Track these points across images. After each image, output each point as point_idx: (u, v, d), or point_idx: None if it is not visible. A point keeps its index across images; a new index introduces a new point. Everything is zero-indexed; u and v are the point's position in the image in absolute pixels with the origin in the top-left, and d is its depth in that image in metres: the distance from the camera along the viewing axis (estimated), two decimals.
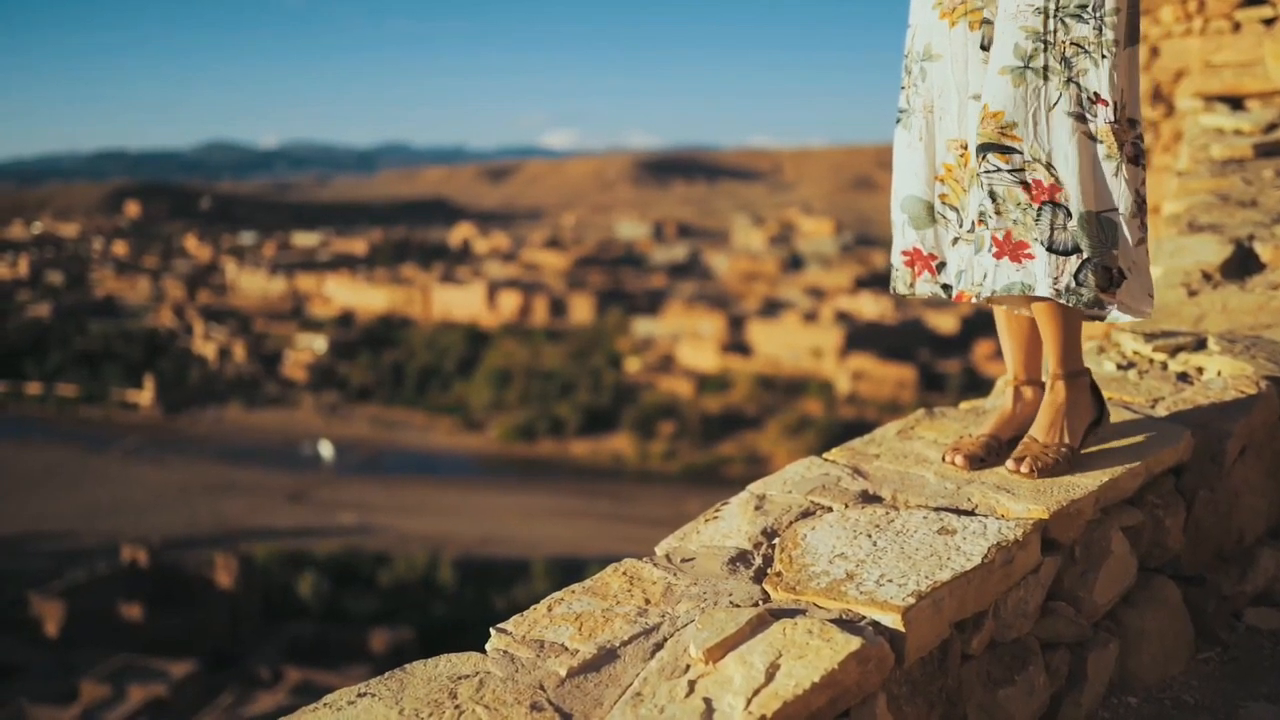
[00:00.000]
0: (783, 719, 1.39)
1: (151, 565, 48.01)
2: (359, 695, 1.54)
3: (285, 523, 60.32)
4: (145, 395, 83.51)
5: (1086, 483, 1.92)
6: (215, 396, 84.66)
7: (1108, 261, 1.93)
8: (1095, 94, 1.90)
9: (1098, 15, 1.89)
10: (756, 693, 1.42)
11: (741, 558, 1.77)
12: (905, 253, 2.13)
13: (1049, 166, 1.90)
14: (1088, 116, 1.90)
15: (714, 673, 1.48)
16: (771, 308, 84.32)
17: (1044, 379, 2.15)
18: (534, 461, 73.68)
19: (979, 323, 73.93)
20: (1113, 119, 1.90)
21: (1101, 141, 1.90)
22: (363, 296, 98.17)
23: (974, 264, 2.01)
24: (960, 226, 2.06)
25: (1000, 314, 2.21)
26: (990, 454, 2.05)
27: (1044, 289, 1.92)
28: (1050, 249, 1.91)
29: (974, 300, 2.04)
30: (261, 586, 48.20)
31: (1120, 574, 1.93)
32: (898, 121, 2.13)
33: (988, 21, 2.00)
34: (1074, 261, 1.91)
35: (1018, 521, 1.78)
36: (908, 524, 1.78)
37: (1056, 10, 1.90)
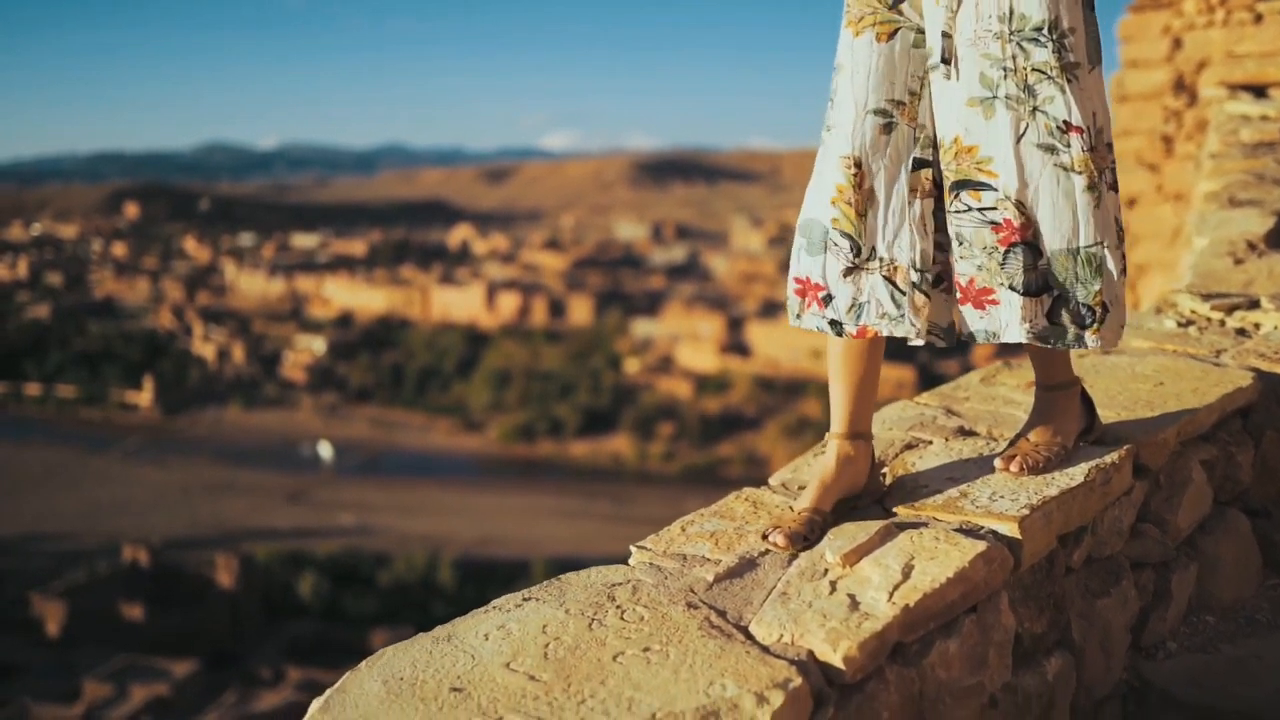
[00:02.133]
0: (922, 609, 1.54)
1: (152, 565, 48.06)
2: (524, 600, 1.68)
3: (285, 523, 60.36)
4: (145, 396, 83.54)
5: (1169, 416, 2.07)
6: (215, 397, 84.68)
7: (1086, 298, 1.82)
8: (1065, 122, 1.77)
9: (1054, 37, 1.76)
10: (896, 588, 1.57)
11: None
12: (797, 280, 1.93)
13: (1019, 204, 1.79)
14: (1059, 147, 1.77)
15: (852, 574, 1.63)
16: (770, 309, 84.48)
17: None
18: (533, 462, 73.76)
19: None
20: (1089, 146, 1.78)
21: (1080, 173, 1.78)
22: (362, 297, 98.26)
23: (883, 298, 1.86)
24: (856, 255, 1.86)
25: (834, 350, 1.97)
26: (814, 531, 1.79)
27: (1015, 334, 1.82)
28: (1024, 291, 1.80)
29: (882, 334, 1.88)
30: (262, 586, 48.25)
31: (1199, 502, 2.08)
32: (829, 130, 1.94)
33: (903, 39, 1.85)
34: (1046, 301, 1.82)
35: (1112, 448, 1.93)
36: None
37: (1012, 34, 1.78)
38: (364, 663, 1.55)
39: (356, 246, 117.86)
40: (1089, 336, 1.83)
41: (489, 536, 58.64)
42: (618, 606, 1.63)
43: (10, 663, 41.30)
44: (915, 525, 1.73)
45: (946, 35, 1.83)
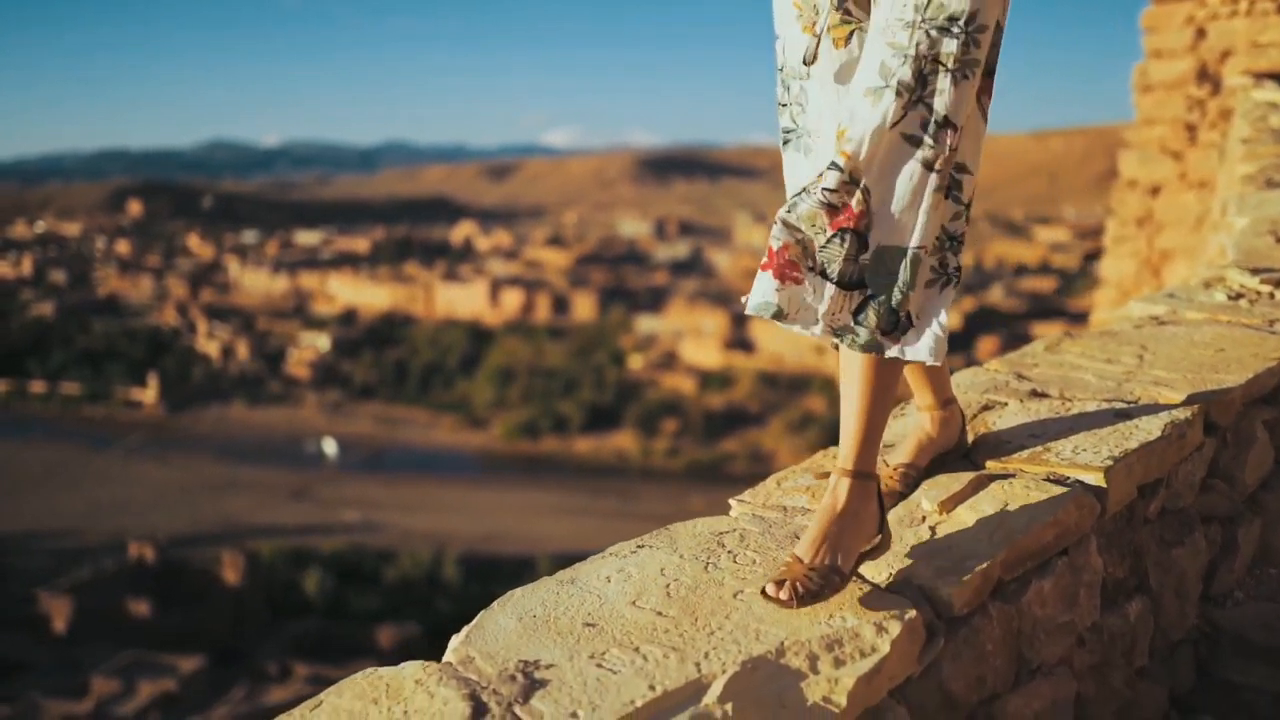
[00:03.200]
0: (1021, 549, 1.65)
1: (158, 562, 48.16)
2: (637, 547, 1.79)
3: (289, 520, 60.44)
4: (149, 393, 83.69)
5: (1233, 378, 2.18)
6: (218, 395, 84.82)
7: (896, 303, 1.68)
8: (945, 118, 1.66)
9: (967, 30, 1.66)
10: (994, 532, 1.67)
11: None
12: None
13: (865, 191, 1.66)
14: (926, 142, 1.66)
15: (950, 520, 1.74)
16: None
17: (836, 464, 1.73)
18: (537, 459, 73.85)
19: (981, 320, 74.15)
20: (953, 147, 1.68)
21: (938, 170, 1.67)
22: (365, 294, 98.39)
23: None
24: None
25: (842, 372, 1.81)
26: (909, 485, 1.84)
27: (817, 328, 1.68)
28: (839, 282, 1.67)
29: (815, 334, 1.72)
30: (266, 583, 48.35)
31: (1263, 459, 2.19)
32: (785, 143, 1.88)
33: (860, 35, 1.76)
34: (856, 297, 1.68)
35: (1184, 406, 2.04)
36: (1084, 410, 2.04)
37: (923, 21, 1.67)
38: (495, 603, 1.66)
39: (360, 243, 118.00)
40: (887, 344, 1.68)
41: (493, 533, 58.72)
42: (729, 551, 1.73)
43: (17, 659, 41.46)
44: (1003, 476, 1.84)
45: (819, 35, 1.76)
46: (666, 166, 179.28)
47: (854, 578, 1.63)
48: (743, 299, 1.71)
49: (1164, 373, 2.20)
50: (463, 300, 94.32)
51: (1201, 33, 5.79)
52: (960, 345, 76.44)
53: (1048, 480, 1.79)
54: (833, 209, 1.66)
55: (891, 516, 1.79)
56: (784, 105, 1.86)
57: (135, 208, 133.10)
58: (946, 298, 1.75)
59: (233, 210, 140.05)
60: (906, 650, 1.49)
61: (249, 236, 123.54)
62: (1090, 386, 2.18)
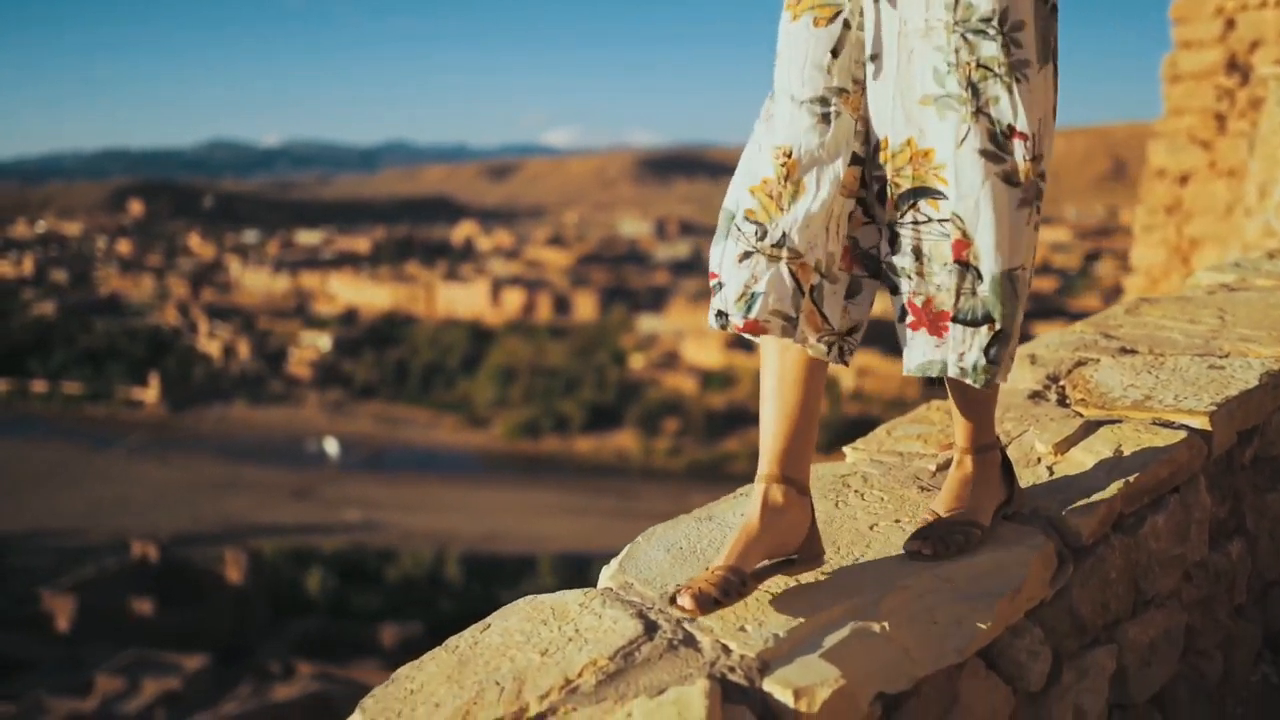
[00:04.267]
0: (1139, 485, 1.75)
1: (160, 561, 48.17)
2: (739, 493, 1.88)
3: (290, 519, 60.44)
4: (150, 393, 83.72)
5: None
6: (220, 394, 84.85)
7: (1011, 329, 1.63)
8: (1010, 126, 1.59)
9: (1003, 30, 1.58)
10: (1111, 469, 1.77)
11: (1037, 395, 2.14)
12: (711, 275, 1.76)
13: (955, 218, 1.59)
14: (1003, 155, 1.59)
15: (1065, 460, 1.84)
16: None
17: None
18: (538, 458, 73.87)
19: None
20: (1032, 155, 1.60)
21: (1018, 185, 1.60)
22: (366, 294, 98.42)
23: (784, 293, 1.65)
24: (760, 239, 1.66)
25: (766, 366, 1.76)
26: (729, 592, 1.53)
27: (951, 368, 1.63)
28: (956, 319, 1.61)
29: (772, 333, 1.67)
30: (269, 582, 48.38)
31: None
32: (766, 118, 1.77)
33: (846, 24, 1.66)
34: (985, 334, 1.61)
35: (1275, 358, 2.13)
36: (1178, 364, 2.14)
37: (957, 24, 1.58)
38: (640, 537, 1.75)
39: (360, 243, 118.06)
40: (1000, 372, 1.64)
41: (494, 532, 58.72)
42: (855, 491, 1.83)
43: (21, 658, 41.46)
44: (1110, 422, 1.94)
45: (877, 26, 1.65)
46: (667, 166, 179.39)
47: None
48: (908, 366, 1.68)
49: (1249, 330, 2.30)
50: (464, 300, 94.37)
51: (1231, 23, 5.89)
52: None
53: (1154, 424, 1.89)
54: (951, 240, 1.61)
55: (1008, 455, 1.88)
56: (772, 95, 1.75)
57: (136, 207, 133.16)
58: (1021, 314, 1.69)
59: (233, 210, 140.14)
60: (1041, 575, 1.59)
61: (250, 236, 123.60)
62: (1178, 344, 2.28)
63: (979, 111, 1.58)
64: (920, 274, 1.63)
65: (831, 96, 1.65)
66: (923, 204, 1.62)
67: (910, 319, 1.65)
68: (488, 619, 1.59)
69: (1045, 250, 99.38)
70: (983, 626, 1.48)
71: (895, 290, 1.68)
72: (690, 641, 1.44)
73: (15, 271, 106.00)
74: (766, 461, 1.69)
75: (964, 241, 1.59)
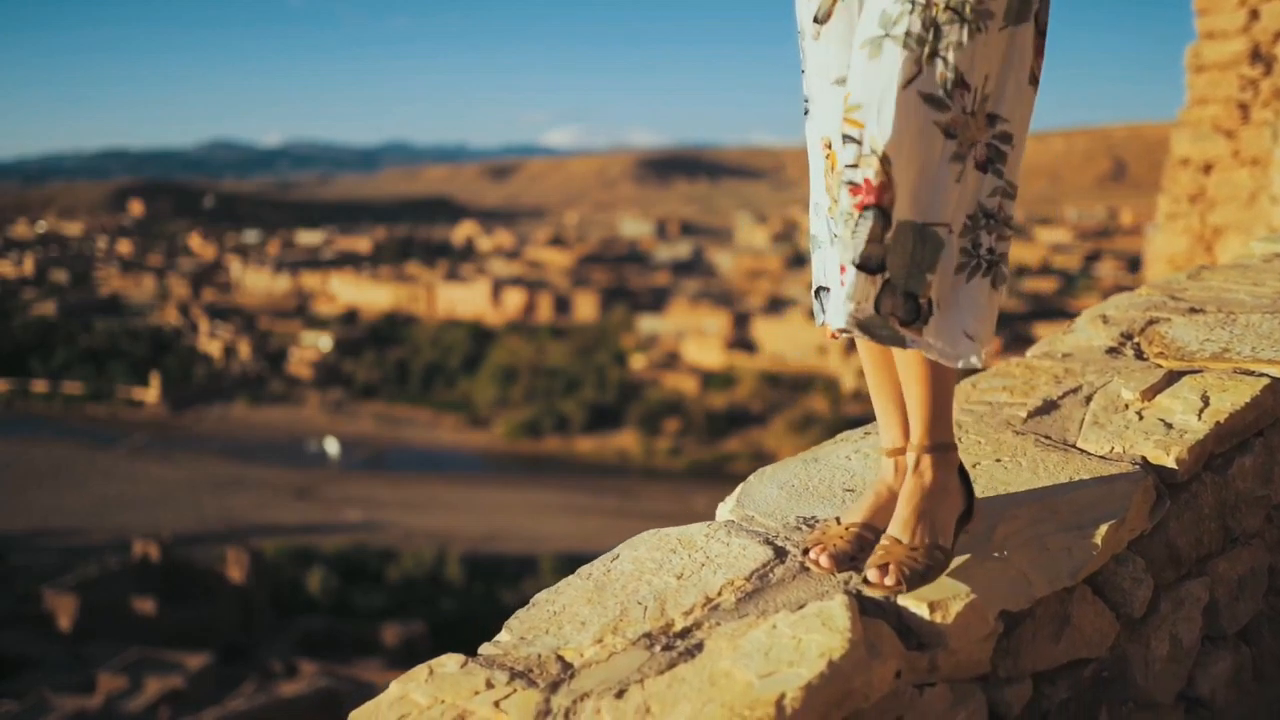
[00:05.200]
0: (1229, 427, 1.84)
1: (163, 560, 48.18)
2: (865, 434, 1.97)
3: (292, 519, 60.47)
4: (151, 393, 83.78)
5: None
6: (221, 394, 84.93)
7: (914, 288, 1.50)
8: (961, 75, 1.49)
9: None
10: (1201, 412, 1.86)
11: (1113, 351, 2.23)
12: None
13: (884, 160, 1.47)
14: (947, 102, 1.48)
15: (1153, 406, 1.93)
16: (776, 305, 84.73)
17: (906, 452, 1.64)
18: (539, 458, 73.95)
19: None
20: (969, 109, 1.50)
21: (955, 137, 1.50)
22: (367, 294, 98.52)
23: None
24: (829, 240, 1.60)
25: (867, 357, 1.73)
26: (863, 550, 1.57)
27: (839, 319, 1.51)
28: (861, 266, 1.49)
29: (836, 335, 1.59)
30: (271, 581, 48.39)
31: None
32: (806, 113, 1.71)
33: None
34: (879, 281, 1.49)
35: None
36: (1250, 320, 2.24)
37: None
38: (751, 476, 1.84)
39: (361, 243, 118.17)
40: (910, 337, 1.51)
41: (496, 532, 58.74)
42: (958, 439, 1.91)
43: (23, 656, 41.46)
44: (1191, 372, 2.03)
45: None
46: (667, 167, 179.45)
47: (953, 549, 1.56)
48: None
49: None
50: (464, 300, 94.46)
51: (1255, 14, 5.99)
52: None
53: (1236, 374, 1.98)
54: (854, 186, 1.49)
55: (1093, 406, 1.98)
56: (803, 72, 1.70)
57: (137, 207, 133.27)
58: (979, 290, 1.55)
59: (234, 210, 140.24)
60: (1142, 507, 1.67)
61: (250, 236, 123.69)
62: (1246, 304, 2.37)
63: (934, 55, 1.48)
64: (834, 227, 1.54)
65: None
66: (837, 151, 1.54)
67: (840, 274, 1.54)
68: (615, 550, 1.67)
69: (1045, 250, 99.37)
70: (1094, 553, 1.56)
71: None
72: None
73: (16, 271, 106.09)
74: (890, 436, 1.69)
75: (886, 185, 1.48)
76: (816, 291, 1.68)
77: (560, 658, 1.42)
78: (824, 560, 1.54)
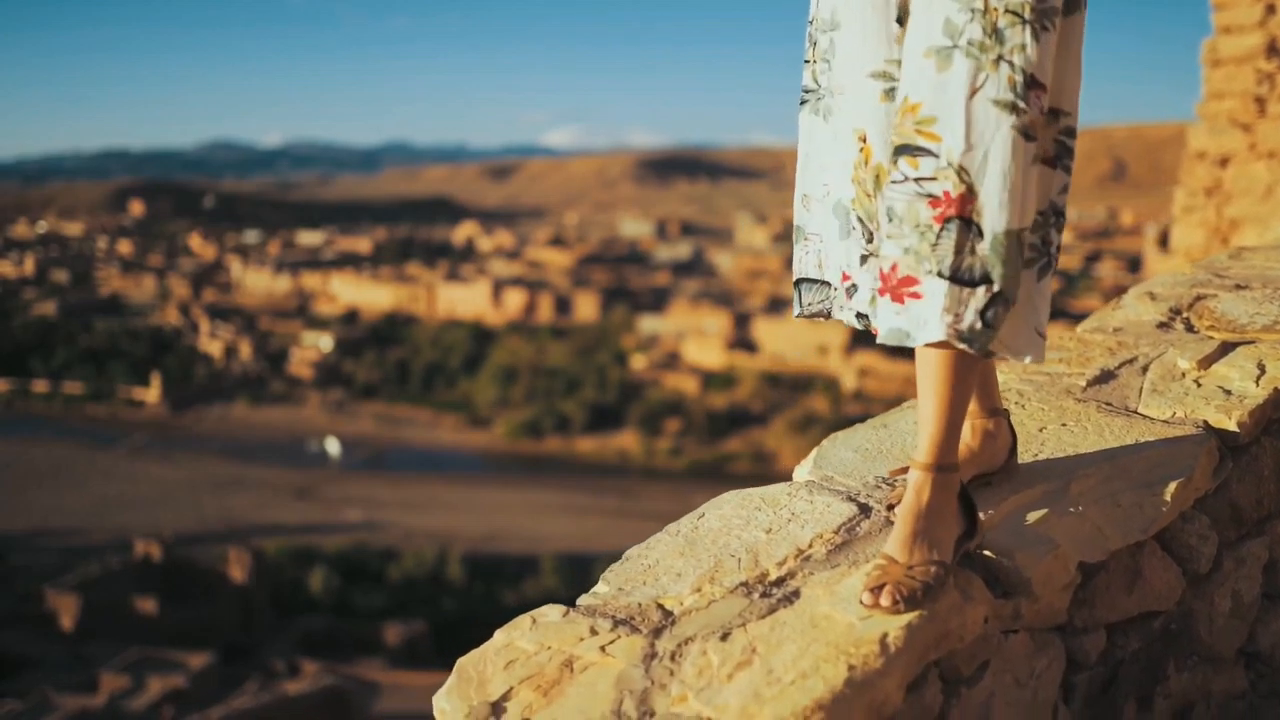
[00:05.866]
0: None
1: (164, 559, 48.20)
2: None
3: (293, 519, 60.49)
4: (151, 393, 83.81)
5: None
6: (221, 394, 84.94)
7: (1014, 294, 1.52)
8: (1032, 76, 1.49)
9: None
10: (1259, 379, 1.93)
11: (1164, 325, 2.31)
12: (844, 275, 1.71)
13: (961, 171, 1.48)
14: (1021, 106, 1.48)
15: (1209, 374, 2.00)
16: (776, 305, 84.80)
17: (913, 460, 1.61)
18: (540, 458, 73.97)
19: None
20: (1046, 109, 1.53)
21: (1035, 139, 1.51)
22: (368, 294, 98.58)
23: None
24: (869, 242, 1.65)
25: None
26: None
27: (935, 331, 1.49)
28: (953, 278, 1.48)
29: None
30: (272, 581, 48.42)
31: None
32: (803, 103, 1.74)
33: None
34: (981, 295, 1.49)
35: None
36: None
37: None
38: (825, 441, 1.91)
39: (361, 244, 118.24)
40: (978, 331, 1.50)
41: (496, 532, 58.75)
42: (1015, 403, 1.99)
43: (25, 655, 41.48)
44: (1245, 342, 2.10)
45: None
46: (667, 167, 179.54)
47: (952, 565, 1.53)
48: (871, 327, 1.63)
49: None
50: (465, 300, 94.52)
51: (1271, 8, 6.06)
52: None
53: None
54: (933, 199, 1.49)
55: (1150, 374, 2.05)
56: (808, 62, 1.72)
57: (137, 207, 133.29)
58: (1046, 288, 1.60)
59: (234, 210, 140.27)
60: (1206, 468, 1.75)
61: (251, 236, 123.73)
62: None
63: (1000, 59, 1.48)
64: (889, 236, 1.53)
65: (894, 70, 1.59)
66: (901, 162, 1.52)
67: (878, 285, 1.56)
68: (700, 509, 1.74)
69: None
70: (1163, 509, 1.63)
71: (876, 253, 1.63)
72: None
73: (16, 271, 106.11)
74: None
75: (969, 196, 1.48)
76: (798, 283, 1.73)
77: (660, 606, 1.48)
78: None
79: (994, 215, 1.48)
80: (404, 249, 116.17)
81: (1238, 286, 2.46)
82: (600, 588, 1.56)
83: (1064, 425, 1.86)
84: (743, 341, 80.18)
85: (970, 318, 1.48)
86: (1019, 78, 1.48)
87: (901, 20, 1.58)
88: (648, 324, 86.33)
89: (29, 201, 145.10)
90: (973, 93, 1.48)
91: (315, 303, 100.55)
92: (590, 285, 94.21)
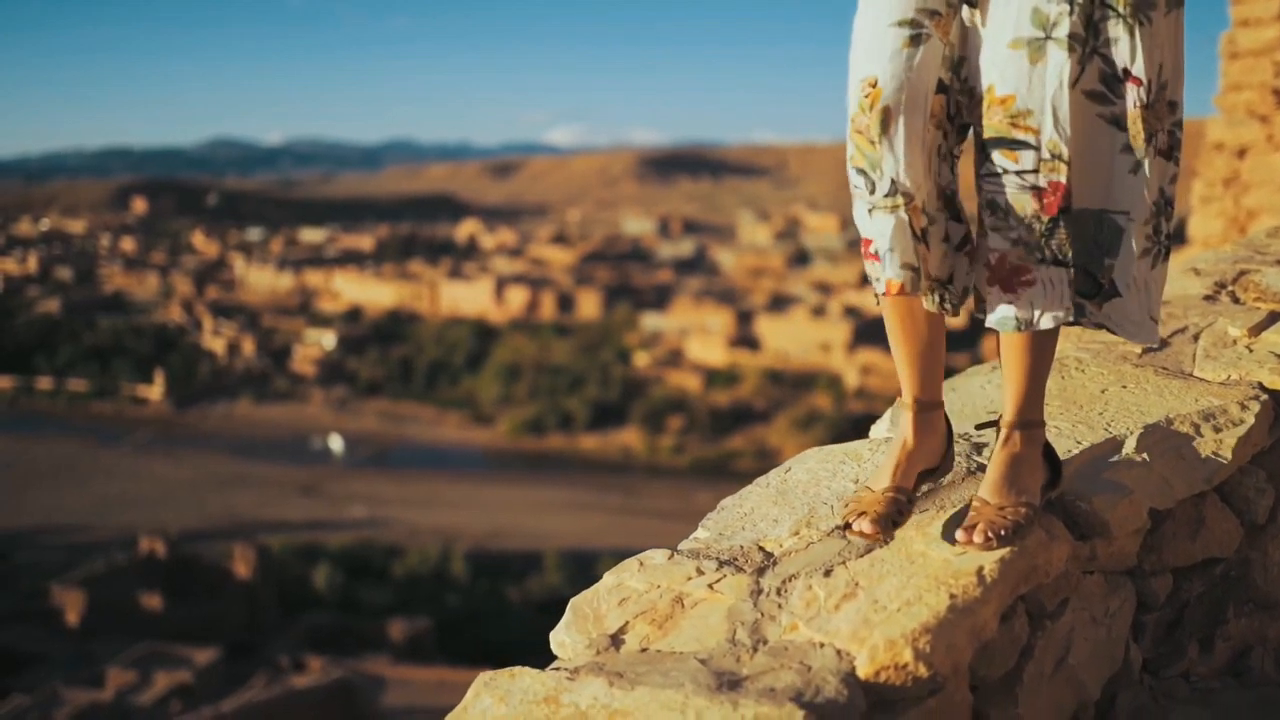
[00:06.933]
0: None
1: (169, 556, 48.34)
2: (993, 368, 2.15)
3: (297, 516, 60.62)
4: (155, 390, 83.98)
5: None
6: (225, 391, 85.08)
7: (1092, 267, 1.59)
8: (1125, 69, 1.53)
9: None
10: None
11: (1209, 298, 2.44)
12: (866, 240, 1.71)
13: (1065, 162, 1.53)
14: (1111, 97, 1.54)
15: (1260, 341, 2.12)
16: (779, 302, 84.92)
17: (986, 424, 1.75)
18: (543, 455, 74.09)
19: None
20: (1145, 100, 1.55)
21: (1123, 129, 1.54)
22: (370, 292, 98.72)
23: (905, 243, 1.63)
24: (872, 194, 1.62)
25: (891, 311, 1.73)
26: (902, 512, 1.66)
27: (1051, 318, 1.59)
28: (1060, 263, 1.57)
29: (908, 290, 1.64)
30: (277, 578, 48.55)
31: None
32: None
33: None
34: (1067, 276, 1.59)
35: None
36: None
37: None
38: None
39: (364, 241, 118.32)
40: (1089, 307, 1.62)
41: (500, 529, 58.84)
42: (1075, 369, 2.10)
43: (31, 651, 41.62)
44: None
45: None
46: (670, 165, 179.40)
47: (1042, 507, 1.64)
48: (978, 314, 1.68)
49: None
50: (467, 298, 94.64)
51: None
52: (967, 342, 76.96)
53: None
54: (1038, 190, 1.55)
55: (1202, 342, 2.17)
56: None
57: (140, 205, 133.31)
58: (1161, 275, 1.66)
59: (237, 208, 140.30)
60: (1263, 423, 1.86)
61: (254, 234, 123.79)
62: None
63: (1094, 52, 1.53)
64: (994, 229, 1.58)
65: (924, 19, 1.59)
66: (996, 155, 1.56)
67: (985, 274, 1.61)
68: (786, 463, 1.85)
69: None
70: (1224, 461, 1.75)
71: (978, 244, 1.66)
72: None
73: (20, 269, 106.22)
74: (909, 390, 1.74)
75: (1069, 187, 1.54)
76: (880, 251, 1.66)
77: (761, 548, 1.60)
78: (867, 526, 1.59)
79: (1078, 195, 1.56)
80: (407, 247, 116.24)
81: (1278, 262, 2.57)
82: (700, 533, 1.67)
83: (1124, 387, 1.98)
84: (745, 339, 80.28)
85: (1069, 298, 1.58)
86: (1109, 71, 1.54)
87: (976, 2, 1.60)
88: (650, 321, 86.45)
89: (32, 199, 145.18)
90: (1072, 84, 1.52)
91: (318, 300, 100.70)
92: (593, 283, 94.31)
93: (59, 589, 45.02)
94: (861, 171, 1.61)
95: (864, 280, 1.75)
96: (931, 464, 1.74)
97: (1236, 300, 2.37)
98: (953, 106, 1.63)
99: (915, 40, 1.58)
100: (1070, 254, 1.56)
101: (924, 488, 1.70)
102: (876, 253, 1.64)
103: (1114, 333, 1.65)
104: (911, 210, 1.60)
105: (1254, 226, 6.22)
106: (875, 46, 1.59)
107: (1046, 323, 1.59)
